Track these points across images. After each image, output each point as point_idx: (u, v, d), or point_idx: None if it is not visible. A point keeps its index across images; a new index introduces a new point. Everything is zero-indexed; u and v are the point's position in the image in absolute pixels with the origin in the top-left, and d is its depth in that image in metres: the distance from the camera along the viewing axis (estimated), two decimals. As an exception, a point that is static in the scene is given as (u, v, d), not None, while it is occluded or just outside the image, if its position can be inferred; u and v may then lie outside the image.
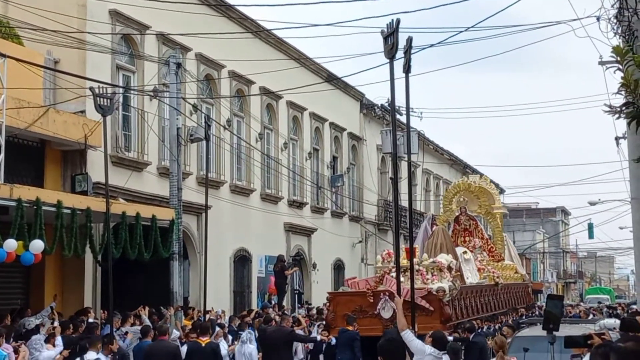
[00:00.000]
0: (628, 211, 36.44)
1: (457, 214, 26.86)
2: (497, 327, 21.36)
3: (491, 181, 30.13)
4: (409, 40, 11.00)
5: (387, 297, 17.23)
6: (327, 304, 19.96)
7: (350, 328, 16.84)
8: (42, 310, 16.75)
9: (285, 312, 22.69)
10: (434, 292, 16.93)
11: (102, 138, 15.95)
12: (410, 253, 12.22)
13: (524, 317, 24.88)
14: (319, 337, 18.03)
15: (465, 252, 22.15)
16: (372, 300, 17.54)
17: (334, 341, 17.40)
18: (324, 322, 19.21)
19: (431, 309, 16.63)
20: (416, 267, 17.14)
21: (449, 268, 18.42)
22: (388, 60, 11.39)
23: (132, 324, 16.94)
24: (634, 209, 13.96)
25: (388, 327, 16.59)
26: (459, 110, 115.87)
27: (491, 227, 28.81)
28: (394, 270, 17.90)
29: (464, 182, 28.67)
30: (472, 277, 21.38)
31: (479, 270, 22.71)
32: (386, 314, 17.25)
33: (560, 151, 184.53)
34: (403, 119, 32.19)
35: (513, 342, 14.25)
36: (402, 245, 17.74)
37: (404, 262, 18.34)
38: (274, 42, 28.81)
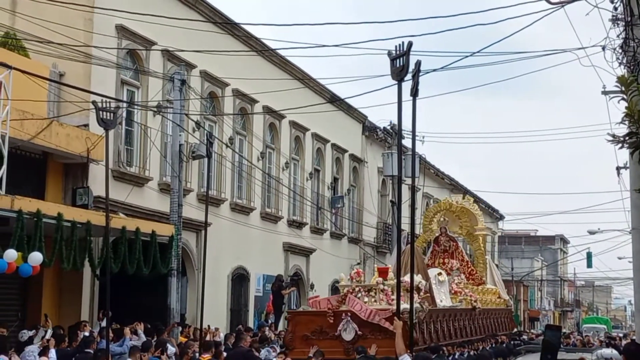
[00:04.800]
0: (627, 241, 36.42)
1: (437, 234, 25.88)
2: (471, 353, 20.38)
3: (477, 199, 29.06)
4: (418, 64, 10.98)
5: (349, 318, 16.32)
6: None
7: None
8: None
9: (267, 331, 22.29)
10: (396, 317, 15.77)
11: (104, 152, 15.93)
12: (411, 277, 11.95)
13: (504, 345, 23.84)
14: None
15: (440, 274, 21.22)
16: (332, 321, 16.46)
17: None
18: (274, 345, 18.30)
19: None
20: (380, 286, 16.51)
21: (417, 289, 17.07)
22: (392, 83, 11.38)
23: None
24: (634, 239, 13.92)
25: (349, 350, 15.76)
26: (460, 135, 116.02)
27: (472, 249, 27.78)
28: (357, 290, 16.83)
29: (445, 201, 27.72)
30: (445, 300, 20.50)
31: (455, 293, 21.82)
32: (347, 336, 16.26)
33: (560, 179, 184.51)
34: (405, 142, 32.10)
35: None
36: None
37: (373, 281, 17.45)
38: (278, 62, 28.90)
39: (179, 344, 18.03)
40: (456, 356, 18.84)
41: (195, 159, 22.74)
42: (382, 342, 15.07)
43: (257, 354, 17.15)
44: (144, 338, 16.53)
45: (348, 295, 16.77)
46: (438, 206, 27.27)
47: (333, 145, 34.23)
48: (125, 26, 21.07)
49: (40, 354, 14.51)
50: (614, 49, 12.59)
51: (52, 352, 14.57)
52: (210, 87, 25.28)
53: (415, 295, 16.52)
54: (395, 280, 15.72)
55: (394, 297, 15.65)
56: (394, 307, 14.93)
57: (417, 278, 17.65)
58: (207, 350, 15.44)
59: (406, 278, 16.58)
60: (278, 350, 18.09)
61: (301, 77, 30.03)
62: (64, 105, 19.36)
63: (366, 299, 16.62)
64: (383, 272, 17.13)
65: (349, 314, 16.36)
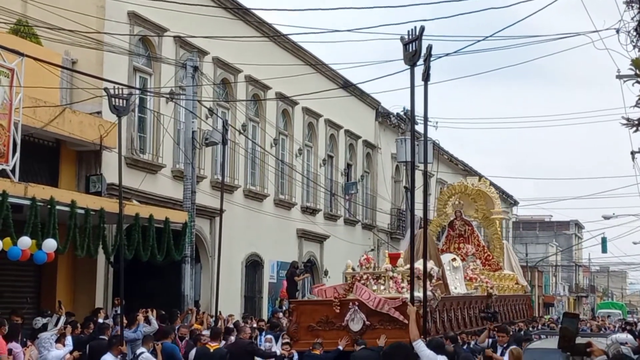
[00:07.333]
0: (643, 226, 36.31)
1: (452, 218, 25.06)
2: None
3: (491, 184, 27.94)
4: (429, 48, 10.91)
5: (356, 307, 15.29)
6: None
7: (317, 352, 15.02)
8: None
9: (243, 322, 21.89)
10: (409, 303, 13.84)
11: (117, 139, 15.98)
12: (424, 264, 11.84)
13: (522, 332, 22.85)
14: (279, 352, 16.48)
15: (454, 260, 20.41)
16: (339, 311, 15.44)
17: (296, 357, 15.84)
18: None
19: (405, 321, 13.72)
20: (390, 273, 15.73)
21: (429, 275, 15.89)
22: (405, 68, 11.32)
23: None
24: (649, 223, 13.84)
25: (357, 340, 14.86)
26: (474, 120, 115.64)
27: (489, 234, 26.55)
28: (366, 277, 15.87)
29: (460, 184, 26.71)
30: (460, 287, 19.73)
31: (470, 279, 21.03)
32: (355, 326, 15.29)
33: (574, 164, 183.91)
34: (418, 127, 32.24)
35: (524, 354, 14.14)
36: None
37: (384, 267, 16.48)
38: (290, 48, 28.83)
39: (192, 330, 18.05)
40: (471, 344, 18.48)
41: (208, 145, 22.74)
42: (391, 332, 14.42)
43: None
44: (155, 325, 16.55)
45: (355, 283, 15.77)
46: (453, 189, 26.32)
47: (346, 131, 34.16)
48: (138, 13, 21.04)
49: (56, 341, 14.57)
50: (628, 32, 12.46)
51: (69, 339, 14.64)
52: (222, 74, 25.24)
53: (427, 283, 16.31)
54: (405, 267, 15.53)
55: (404, 285, 15.39)
56: (404, 296, 14.69)
57: (429, 264, 16.69)
58: (216, 339, 15.33)
59: (417, 264, 16.11)
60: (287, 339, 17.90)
61: (314, 63, 29.99)
62: (76, 93, 19.38)
63: (375, 287, 15.71)
64: (394, 259, 16.42)
65: (357, 303, 15.37)
